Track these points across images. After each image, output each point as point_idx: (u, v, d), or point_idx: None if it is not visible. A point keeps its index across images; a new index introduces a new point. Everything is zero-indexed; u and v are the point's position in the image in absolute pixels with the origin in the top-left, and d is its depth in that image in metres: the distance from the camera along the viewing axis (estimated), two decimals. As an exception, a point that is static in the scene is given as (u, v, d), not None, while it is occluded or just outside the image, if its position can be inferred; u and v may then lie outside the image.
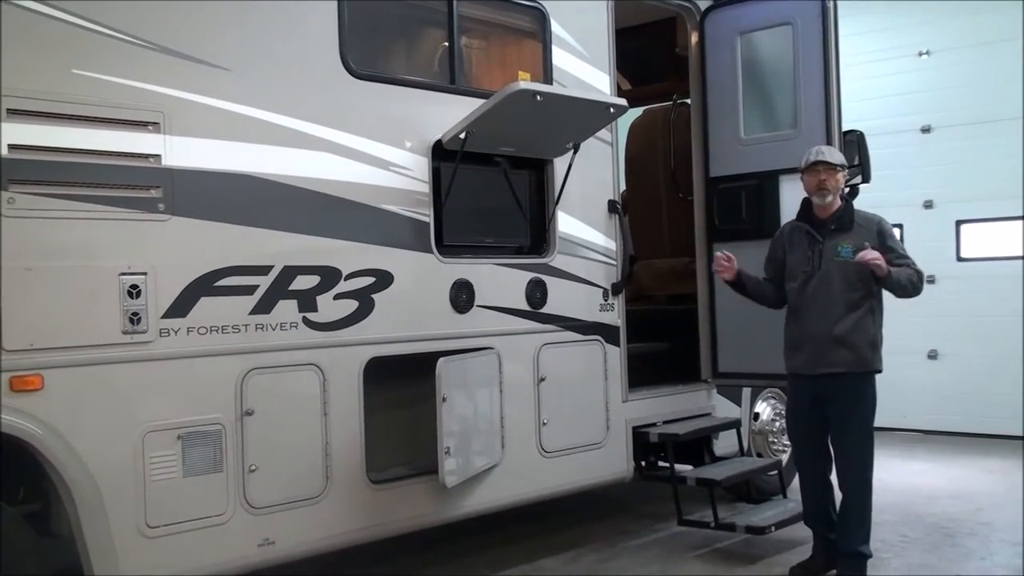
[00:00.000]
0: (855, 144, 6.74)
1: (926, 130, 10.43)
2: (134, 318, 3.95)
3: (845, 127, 6.38)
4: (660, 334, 7.06)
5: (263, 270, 4.39)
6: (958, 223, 10.21)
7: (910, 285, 5.19)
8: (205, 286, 4.18)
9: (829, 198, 5.30)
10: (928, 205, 10.31)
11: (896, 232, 5.69)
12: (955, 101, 10.16)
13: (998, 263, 9.90)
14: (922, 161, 10.36)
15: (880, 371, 5.30)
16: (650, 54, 7.98)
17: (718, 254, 5.65)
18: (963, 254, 10.21)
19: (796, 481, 6.86)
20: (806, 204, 5.46)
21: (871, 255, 5.09)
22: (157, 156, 4.05)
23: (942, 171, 10.25)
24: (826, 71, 6.16)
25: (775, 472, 6.78)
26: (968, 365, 9.94)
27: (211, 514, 4.19)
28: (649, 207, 7.88)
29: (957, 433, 9.92)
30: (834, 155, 5.36)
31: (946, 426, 9.99)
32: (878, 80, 10.43)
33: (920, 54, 10.45)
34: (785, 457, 7.31)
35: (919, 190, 10.31)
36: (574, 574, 5.73)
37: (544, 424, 5.61)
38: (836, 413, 5.28)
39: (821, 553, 5.51)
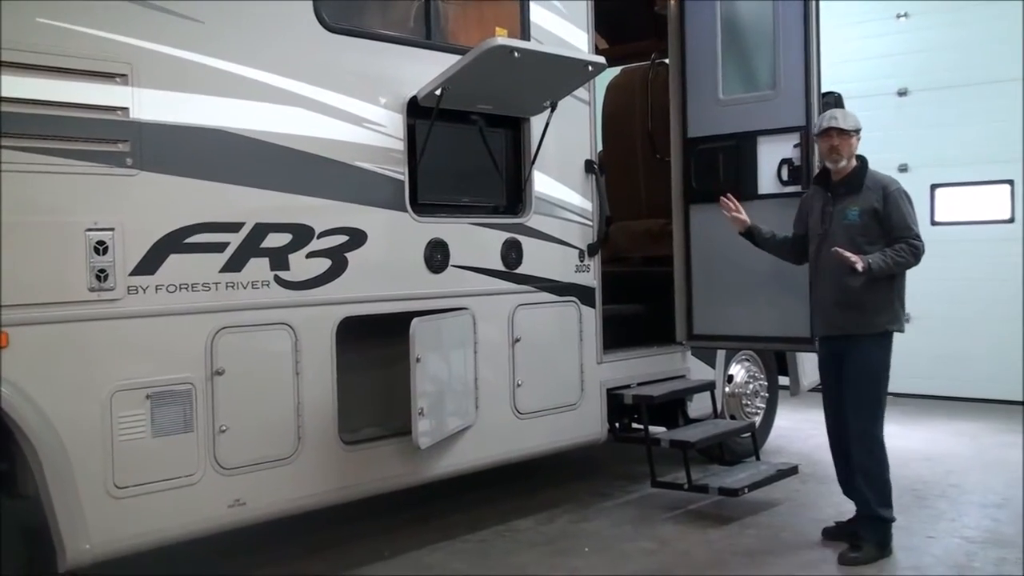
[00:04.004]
0: (832, 106, 6.69)
1: (903, 93, 10.42)
2: (101, 275, 3.87)
3: (823, 89, 6.33)
4: (636, 296, 7.04)
5: (234, 227, 4.32)
6: (933, 187, 10.22)
7: (895, 266, 5.08)
8: (174, 243, 4.11)
9: (842, 163, 5.25)
10: (903, 169, 10.28)
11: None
12: (932, 64, 10.14)
13: (972, 227, 9.96)
14: (898, 124, 10.34)
15: (891, 331, 5.19)
16: (629, 13, 7.90)
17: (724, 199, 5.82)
18: (937, 218, 10.23)
19: (768, 443, 6.91)
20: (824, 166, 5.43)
21: (844, 254, 5.02)
22: (125, 109, 3.97)
23: (918, 134, 10.25)
24: (806, 32, 6.10)
25: (748, 435, 6.80)
26: (941, 329, 9.99)
27: (181, 475, 4.14)
28: (626, 168, 7.83)
29: (929, 396, 10.01)
30: (848, 120, 5.27)
31: (918, 389, 10.04)
32: (856, 42, 10.39)
33: (898, 16, 10.41)
34: (758, 420, 7.34)
35: (894, 153, 10.27)
36: (548, 535, 5.73)
37: (518, 385, 5.59)
38: (845, 374, 5.26)
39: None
